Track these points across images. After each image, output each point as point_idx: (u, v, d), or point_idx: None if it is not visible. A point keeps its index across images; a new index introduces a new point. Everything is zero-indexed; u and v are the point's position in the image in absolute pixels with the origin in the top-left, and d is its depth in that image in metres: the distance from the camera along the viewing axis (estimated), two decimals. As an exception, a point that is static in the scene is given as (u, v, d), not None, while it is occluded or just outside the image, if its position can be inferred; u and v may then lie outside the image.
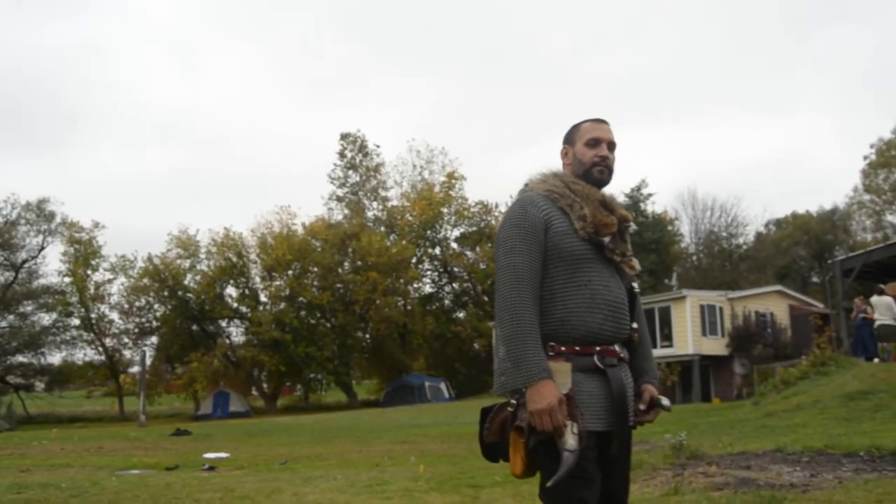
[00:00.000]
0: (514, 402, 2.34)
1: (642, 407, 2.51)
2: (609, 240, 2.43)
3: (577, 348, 2.35)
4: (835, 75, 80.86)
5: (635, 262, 2.52)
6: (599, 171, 2.55)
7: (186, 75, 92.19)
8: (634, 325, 2.51)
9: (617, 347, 2.43)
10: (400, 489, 6.81)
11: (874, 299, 17.78)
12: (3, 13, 78.90)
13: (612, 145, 2.60)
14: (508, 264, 2.36)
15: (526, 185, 2.60)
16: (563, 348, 2.34)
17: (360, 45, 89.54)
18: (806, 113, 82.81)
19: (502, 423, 2.38)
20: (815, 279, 50.47)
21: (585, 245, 2.40)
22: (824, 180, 78.50)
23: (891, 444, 7.56)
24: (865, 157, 47.56)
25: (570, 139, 2.64)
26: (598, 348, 2.37)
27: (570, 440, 2.20)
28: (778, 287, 33.98)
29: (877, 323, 17.41)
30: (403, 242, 45.50)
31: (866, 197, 48.36)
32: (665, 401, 2.53)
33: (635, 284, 2.54)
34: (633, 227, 2.53)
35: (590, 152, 2.56)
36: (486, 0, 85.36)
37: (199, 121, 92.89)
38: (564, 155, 2.66)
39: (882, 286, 18.81)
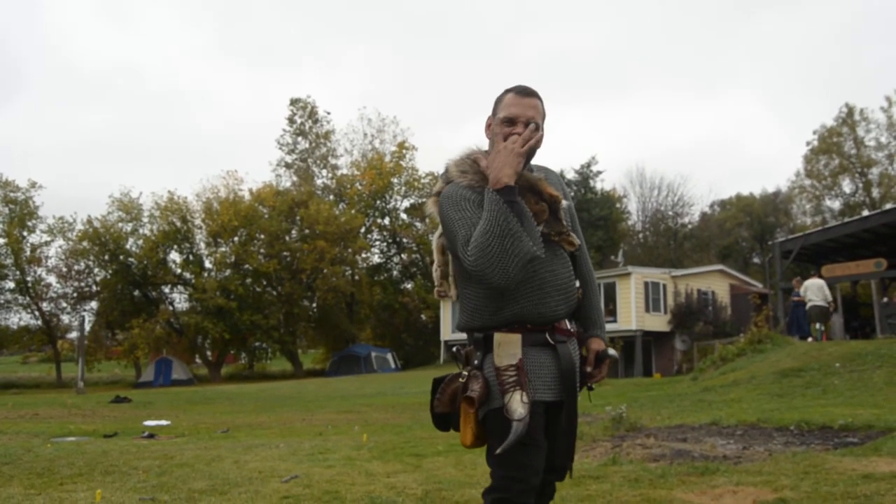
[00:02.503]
0: (465, 373, 2.36)
1: (588, 369, 2.51)
2: (542, 226, 2.35)
3: (529, 326, 2.35)
4: (782, 61, 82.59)
5: (573, 238, 2.45)
6: None
7: (123, 32, 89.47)
8: (576, 284, 2.50)
9: (567, 323, 2.44)
10: (342, 457, 6.80)
11: (807, 282, 18.36)
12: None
13: (531, 123, 2.37)
14: (465, 238, 2.26)
15: (446, 170, 2.48)
16: (515, 326, 2.34)
17: (305, 10, 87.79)
18: (753, 97, 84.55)
19: (453, 393, 2.39)
20: (755, 260, 51.93)
21: None
22: (769, 164, 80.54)
23: (819, 418, 7.85)
24: (808, 143, 48.96)
25: (494, 110, 2.48)
26: (549, 326, 2.38)
27: (520, 409, 2.21)
28: (720, 266, 34.84)
29: (808, 304, 18.00)
30: (352, 212, 45.16)
31: (807, 182, 49.79)
32: (612, 350, 2.55)
33: (578, 242, 2.48)
34: (564, 204, 2.43)
35: (503, 130, 2.38)
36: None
37: (141, 79, 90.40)
38: (488, 127, 2.50)
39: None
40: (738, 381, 13.07)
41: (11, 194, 43.21)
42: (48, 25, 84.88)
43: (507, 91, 2.45)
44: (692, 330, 28.95)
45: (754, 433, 7.52)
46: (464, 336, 2.49)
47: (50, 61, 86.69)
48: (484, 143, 2.52)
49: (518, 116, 2.38)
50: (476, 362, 2.37)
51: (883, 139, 46.69)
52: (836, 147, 47.35)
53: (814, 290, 17.96)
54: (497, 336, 2.33)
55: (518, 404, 2.22)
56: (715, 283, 32.02)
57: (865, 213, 37.22)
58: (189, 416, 14.42)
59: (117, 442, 9.22)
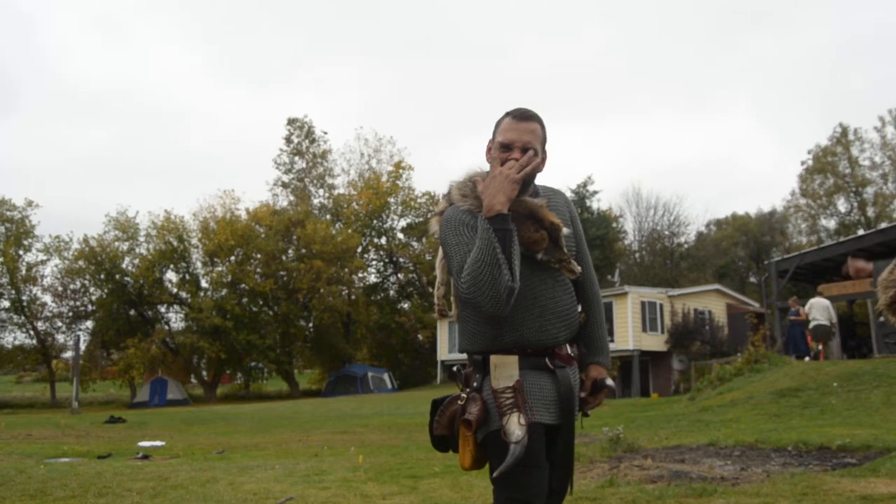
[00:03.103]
0: (463, 395, 2.36)
1: (583, 394, 2.49)
2: (542, 254, 2.35)
3: (529, 350, 2.34)
4: (776, 81, 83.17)
5: (574, 266, 2.43)
6: None
7: (118, 51, 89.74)
8: (579, 309, 2.50)
9: (568, 348, 2.43)
10: (338, 479, 6.75)
11: (812, 301, 18.34)
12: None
13: (527, 149, 2.36)
14: (460, 263, 2.26)
15: (449, 190, 2.48)
16: (514, 350, 2.34)
17: (302, 30, 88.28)
18: (748, 116, 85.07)
19: (452, 415, 2.39)
20: (752, 279, 52.01)
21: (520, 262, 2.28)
22: (764, 183, 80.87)
23: (817, 439, 7.83)
24: (803, 163, 49.17)
25: (494, 133, 2.47)
26: (550, 351, 2.38)
27: (517, 431, 2.20)
28: (716, 286, 34.86)
29: (812, 323, 17.98)
30: (349, 231, 45.16)
31: (803, 201, 49.98)
32: (609, 381, 2.55)
33: (579, 269, 2.46)
34: (566, 231, 2.38)
35: (500, 156, 2.37)
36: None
37: (136, 99, 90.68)
38: (488, 151, 2.49)
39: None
40: (736, 402, 13.03)
41: (7, 213, 43.17)
42: (43, 45, 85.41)
43: (506, 115, 2.43)
44: (689, 350, 28.92)
45: (752, 454, 7.48)
46: (463, 355, 2.50)
47: (45, 80, 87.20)
48: (486, 164, 2.51)
49: (514, 142, 2.36)
50: (475, 384, 2.36)
51: (877, 158, 47.03)
52: (830, 166, 47.59)
53: (818, 310, 17.93)
54: (493, 358, 2.33)
55: (515, 426, 2.21)
56: (711, 302, 32.03)
57: (861, 232, 37.31)
58: (184, 436, 14.31)
59: (111, 463, 9.15)
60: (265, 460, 8.99)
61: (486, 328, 2.36)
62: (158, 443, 12.53)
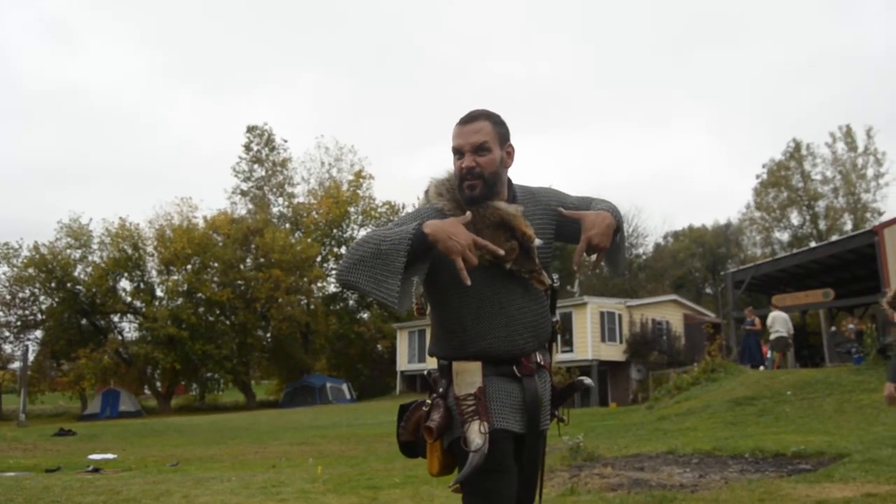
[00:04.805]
0: (428, 401, 2.33)
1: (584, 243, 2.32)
2: (511, 264, 2.28)
3: (495, 359, 2.31)
4: (732, 97, 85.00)
5: (545, 277, 2.36)
6: (468, 188, 2.29)
7: (68, 52, 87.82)
8: (555, 319, 2.48)
9: (537, 356, 2.39)
10: (296, 491, 6.63)
11: (774, 314, 18.82)
12: None
13: (478, 148, 2.29)
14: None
15: (426, 191, 2.44)
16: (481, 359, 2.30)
17: (263, 37, 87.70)
18: (705, 131, 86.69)
19: (417, 422, 2.36)
20: (708, 290, 52.85)
21: (487, 273, 2.25)
22: (720, 196, 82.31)
23: (772, 446, 7.93)
24: (758, 177, 50.25)
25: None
26: (517, 360, 2.34)
27: (477, 439, 2.16)
28: (674, 296, 35.32)
29: (774, 335, 18.45)
30: (308, 240, 44.76)
31: (757, 214, 51.07)
32: (588, 380, 2.54)
33: (549, 282, 2.40)
34: (538, 242, 2.31)
35: (456, 165, 2.34)
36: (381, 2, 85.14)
37: (89, 102, 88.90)
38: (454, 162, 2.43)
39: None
40: (693, 410, 13.17)
41: (-46, 220, 41.89)
42: None
43: (457, 122, 2.38)
44: (647, 359, 29.20)
45: (710, 461, 7.55)
46: (421, 365, 2.46)
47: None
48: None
49: (462, 146, 2.30)
50: (441, 390, 2.32)
51: (829, 173, 48.22)
52: (784, 180, 48.70)
53: (780, 322, 18.49)
54: (455, 365, 2.29)
55: (476, 434, 2.17)
56: (669, 312, 32.43)
57: (813, 244, 38.25)
58: (137, 449, 13.99)
59: (60, 477, 8.88)
60: (221, 472, 8.81)
61: (452, 335, 2.33)
62: (110, 455, 12.24)
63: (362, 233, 47.55)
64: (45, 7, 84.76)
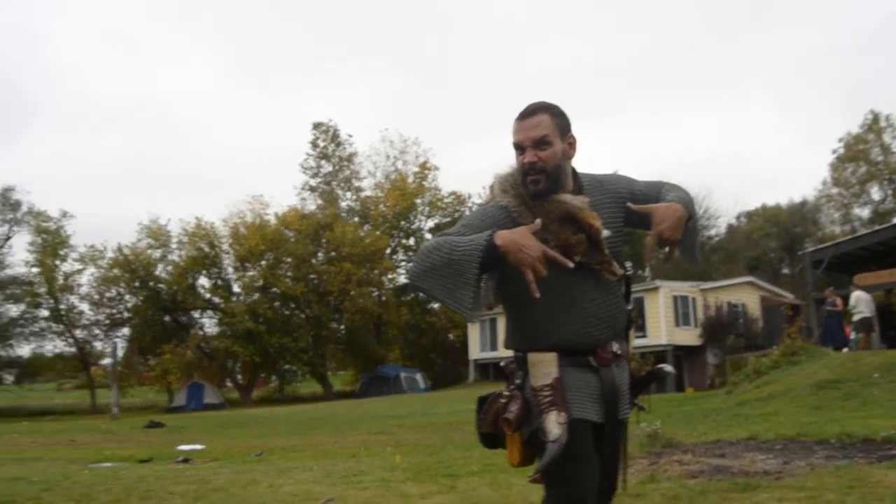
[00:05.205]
0: (506, 393, 2.34)
1: (653, 233, 2.31)
2: (580, 256, 2.26)
3: (570, 350, 2.31)
4: (799, 68, 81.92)
5: (615, 268, 2.34)
6: (532, 182, 2.28)
7: (144, 62, 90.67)
8: (630, 307, 2.47)
9: (614, 345, 2.38)
10: (376, 479, 6.78)
11: (857, 294, 18.25)
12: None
13: (539, 142, 2.28)
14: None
15: (491, 186, 2.44)
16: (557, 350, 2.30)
17: (320, 31, 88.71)
18: (773, 105, 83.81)
19: (496, 414, 2.36)
20: (785, 270, 51.27)
21: (558, 265, 2.20)
22: (793, 174, 79.75)
23: (860, 431, 7.68)
24: (834, 151, 48.38)
25: None
26: (593, 351, 2.34)
27: (555, 429, 2.17)
28: (749, 278, 34.40)
29: (858, 316, 17.92)
30: (377, 233, 45.35)
31: (835, 190, 49.20)
32: (668, 367, 2.56)
33: (621, 272, 2.39)
34: (606, 233, 2.29)
35: (517, 160, 2.34)
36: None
37: (161, 108, 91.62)
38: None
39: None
40: (774, 395, 12.85)
41: (44, 224, 44.03)
42: (58, 59, 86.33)
43: (516, 117, 2.37)
44: (724, 343, 28.57)
45: (794, 447, 7.37)
46: (494, 353, 2.51)
47: (64, 94, 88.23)
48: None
49: (522, 142, 2.30)
50: (518, 381, 2.34)
51: (911, 145, 46.11)
52: (862, 154, 46.76)
53: (864, 302, 18.01)
54: (530, 356, 2.31)
55: (553, 425, 2.18)
56: (745, 295, 31.61)
57: (896, 220, 36.61)
58: (222, 439, 14.48)
59: (153, 467, 9.28)
60: (303, 462, 9.06)
61: (525, 329, 2.35)
62: (198, 446, 12.69)
63: (429, 224, 48.01)
64: (114, 21, 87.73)
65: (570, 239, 2.24)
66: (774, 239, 52.28)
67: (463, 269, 2.12)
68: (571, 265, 2.19)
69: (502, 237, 2.12)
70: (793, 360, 15.80)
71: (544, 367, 2.26)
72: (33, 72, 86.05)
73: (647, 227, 2.36)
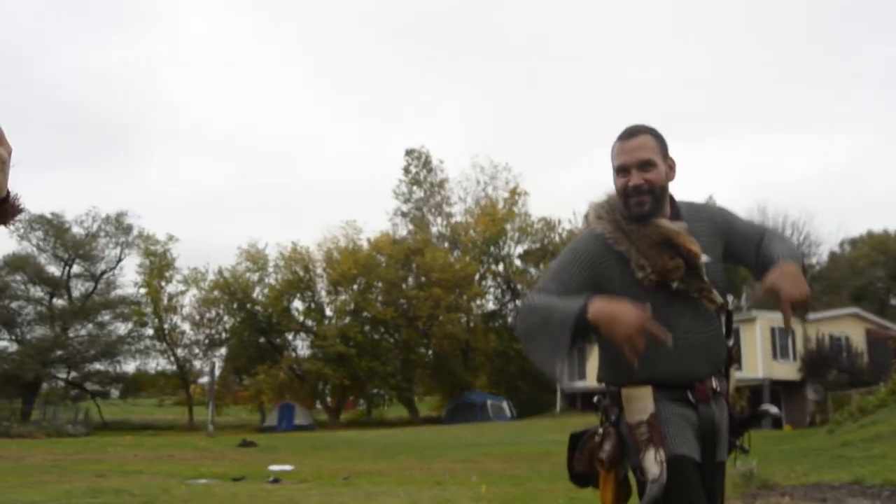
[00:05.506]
0: (600, 430, 2.30)
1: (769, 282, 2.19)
2: (678, 283, 2.19)
3: (666, 384, 2.22)
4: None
5: (715, 296, 2.25)
6: (636, 204, 2.23)
7: (242, 91, 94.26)
8: (730, 343, 2.38)
9: (713, 382, 2.28)
10: (462, 509, 6.80)
11: None
12: (67, 34, 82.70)
13: (644, 164, 2.24)
14: (535, 285, 2.28)
15: (586, 215, 2.40)
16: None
17: (412, 60, 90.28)
18: (871, 128, 79.80)
19: (590, 452, 2.31)
20: (893, 301, 48.46)
21: (654, 293, 2.17)
22: (901, 197, 75.30)
23: (977, 479, 7.20)
24: (949, 175, 45.64)
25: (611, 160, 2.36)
26: (691, 385, 2.24)
27: (654, 468, 2.08)
28: (854, 309, 32.72)
29: None
30: (467, 259, 45.56)
31: (949, 216, 46.31)
32: (773, 408, 2.44)
33: (721, 300, 2.29)
34: (704, 258, 2.22)
35: (619, 182, 2.28)
36: (524, 16, 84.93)
37: (262, 136, 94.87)
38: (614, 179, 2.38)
39: None
40: (882, 436, 12.15)
41: (152, 247, 46.30)
42: (169, 90, 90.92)
43: (616, 139, 2.33)
44: (825, 378, 27.24)
45: (901, 494, 6.97)
46: (583, 383, 2.48)
47: (175, 124, 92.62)
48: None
49: (626, 164, 2.25)
50: (613, 417, 2.28)
51: None
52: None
53: None
54: (625, 392, 2.22)
55: (652, 464, 2.09)
56: (849, 327, 30.08)
57: None
58: (311, 461, 14.76)
59: (245, 486, 9.58)
60: (389, 487, 9.16)
61: (620, 360, 2.18)
62: (288, 467, 12.98)
63: (519, 249, 47.75)
64: (216, 55, 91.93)
65: (668, 264, 2.18)
66: (881, 267, 49.49)
67: (557, 337, 2.11)
68: (669, 342, 2.08)
69: (596, 308, 2.06)
70: (902, 399, 14.94)
71: (639, 403, 2.18)
72: (143, 103, 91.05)
73: (742, 262, 2.35)
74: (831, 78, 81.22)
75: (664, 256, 2.18)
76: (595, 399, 2.43)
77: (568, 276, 2.26)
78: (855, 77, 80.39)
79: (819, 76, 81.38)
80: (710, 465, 2.22)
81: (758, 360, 27.04)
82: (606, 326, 2.03)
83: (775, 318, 28.57)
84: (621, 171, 2.27)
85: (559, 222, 47.05)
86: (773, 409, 2.44)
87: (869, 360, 28.91)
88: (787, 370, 27.74)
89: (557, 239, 46.32)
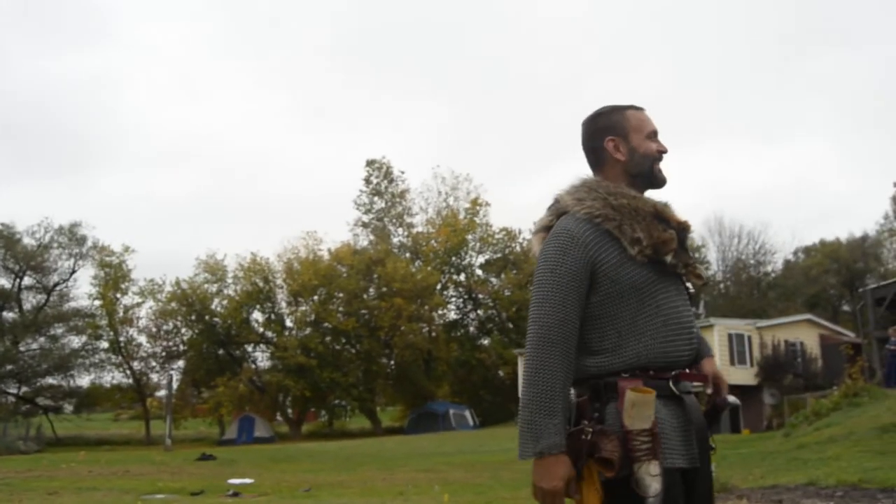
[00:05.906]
0: (588, 429, 1.96)
1: (709, 391, 2.20)
2: (671, 256, 2.09)
3: (651, 372, 2.02)
4: (849, 101, 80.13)
5: (700, 270, 2.16)
6: (661, 170, 2.23)
7: (200, 102, 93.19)
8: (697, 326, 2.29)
9: (692, 370, 2.14)
10: (424, 518, 6.77)
11: None
12: (25, 45, 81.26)
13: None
14: (537, 318, 2.02)
15: (556, 201, 2.20)
16: (637, 371, 2.02)
17: (371, 69, 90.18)
18: (824, 138, 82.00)
19: (578, 452, 1.96)
20: (845, 308, 49.68)
21: (645, 269, 2.05)
22: (851, 207, 77.52)
23: (927, 478, 7.39)
24: (895, 183, 47.00)
25: (616, 128, 2.20)
26: (673, 373, 2.06)
27: (653, 483, 1.89)
28: (808, 316, 33.51)
29: None
30: (428, 269, 45.59)
31: (897, 224, 47.66)
32: (731, 397, 2.29)
33: (703, 279, 2.22)
34: (692, 230, 2.17)
35: (652, 146, 2.20)
36: (487, 27, 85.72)
37: (220, 147, 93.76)
38: (615, 149, 2.19)
39: None
40: (835, 438, 12.41)
41: (107, 258, 45.40)
42: (123, 100, 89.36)
43: (624, 107, 2.26)
44: (781, 383, 27.79)
45: (856, 494, 7.13)
46: None
47: (131, 135, 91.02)
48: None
49: (657, 130, 2.25)
50: (596, 415, 1.99)
51: (979, 178, 44.57)
52: (927, 188, 45.32)
53: None
54: (630, 395, 1.94)
55: (650, 478, 1.88)
56: (803, 333, 30.75)
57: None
58: (272, 474, 14.60)
59: (204, 500, 9.42)
60: (351, 499, 9.09)
61: (602, 340, 2.06)
62: (248, 480, 12.81)
63: (480, 259, 47.75)
64: (172, 61, 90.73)
65: (663, 235, 2.07)
66: (834, 275, 50.74)
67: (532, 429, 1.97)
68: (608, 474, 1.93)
69: (537, 475, 1.94)
70: (854, 402, 15.27)
71: (645, 409, 1.94)
72: (99, 113, 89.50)
73: None
74: (784, 88, 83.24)
75: (657, 229, 2.07)
76: (571, 398, 2.04)
77: (567, 283, 2.04)
78: (808, 87, 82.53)
79: (771, 86, 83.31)
80: (707, 467, 2.06)
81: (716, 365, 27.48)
82: (536, 496, 1.95)
83: (732, 325, 29.15)
84: (654, 135, 2.23)
85: (520, 232, 47.40)
86: (732, 399, 2.31)
87: (823, 364, 29.55)
88: (745, 375, 28.22)
89: (518, 249, 46.63)
